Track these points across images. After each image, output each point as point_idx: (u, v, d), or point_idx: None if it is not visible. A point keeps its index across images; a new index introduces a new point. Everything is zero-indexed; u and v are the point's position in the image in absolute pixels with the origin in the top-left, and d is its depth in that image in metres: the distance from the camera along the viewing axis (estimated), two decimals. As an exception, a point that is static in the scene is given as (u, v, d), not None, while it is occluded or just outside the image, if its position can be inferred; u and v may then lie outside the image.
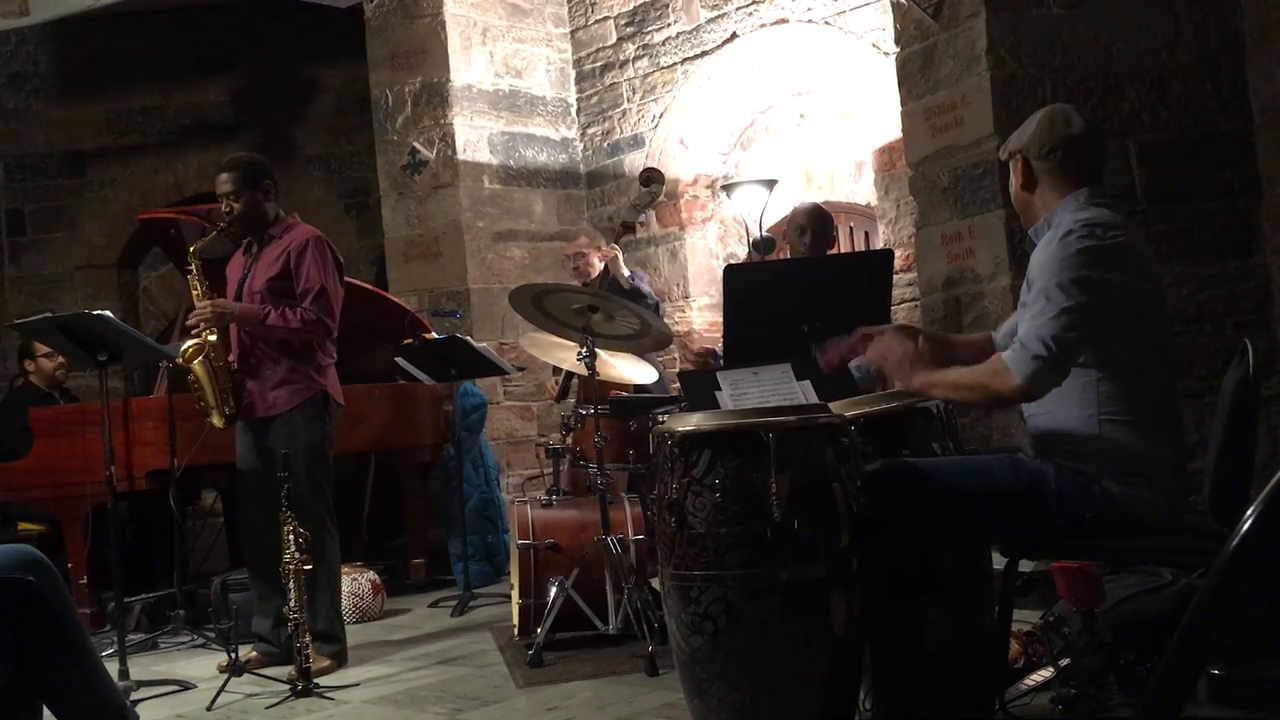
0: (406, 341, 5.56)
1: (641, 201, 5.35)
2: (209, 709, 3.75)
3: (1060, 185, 2.69)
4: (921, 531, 2.52)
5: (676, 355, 6.73)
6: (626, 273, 5.49)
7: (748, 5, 6.44)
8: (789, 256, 5.24)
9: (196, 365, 4.18)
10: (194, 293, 4.26)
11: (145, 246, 8.27)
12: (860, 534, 2.60)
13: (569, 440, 4.66)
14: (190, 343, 4.21)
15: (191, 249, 4.33)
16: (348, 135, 8.26)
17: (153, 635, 5.02)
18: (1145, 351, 2.60)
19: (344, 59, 7.88)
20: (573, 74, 7.45)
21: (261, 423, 4.26)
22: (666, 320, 5.33)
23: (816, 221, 4.95)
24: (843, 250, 6.67)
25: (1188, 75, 4.26)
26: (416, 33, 6.95)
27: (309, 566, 3.92)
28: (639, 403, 4.66)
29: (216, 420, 4.26)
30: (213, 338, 4.18)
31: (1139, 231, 2.73)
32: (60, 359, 5.98)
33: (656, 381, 5.18)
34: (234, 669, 3.93)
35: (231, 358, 4.29)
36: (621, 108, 7.18)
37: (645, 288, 5.60)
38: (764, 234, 6.29)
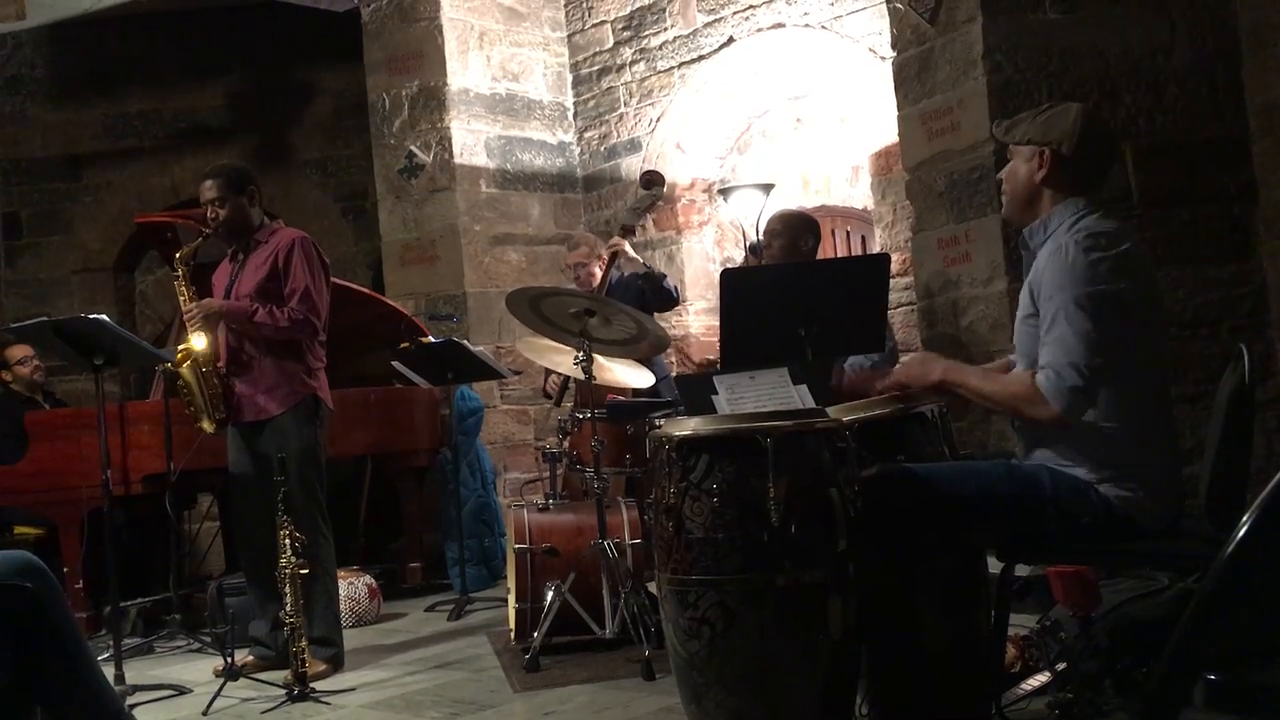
0: (403, 345, 5.55)
1: (642, 204, 5.34)
2: (205, 713, 3.75)
3: (1068, 187, 2.65)
4: (918, 536, 2.51)
5: (674, 359, 6.72)
6: (638, 258, 5.45)
7: (744, 10, 6.44)
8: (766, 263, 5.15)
9: (185, 370, 4.18)
10: (181, 297, 4.26)
11: (142, 250, 8.27)
12: (857, 539, 2.60)
13: (566, 444, 4.66)
14: (181, 347, 4.22)
15: (179, 254, 4.32)
16: (344, 139, 8.25)
17: (149, 639, 5.00)
18: (1142, 356, 2.59)
19: (341, 63, 7.88)
20: (569, 78, 7.45)
21: (252, 427, 4.26)
22: (664, 324, 5.31)
23: (785, 225, 4.83)
24: (837, 254, 6.68)
25: (1184, 80, 4.27)
26: (413, 36, 6.95)
27: (305, 571, 3.92)
28: (636, 407, 4.66)
29: (206, 425, 4.27)
30: (201, 344, 4.17)
31: (1136, 236, 2.71)
32: (35, 363, 6.11)
33: (664, 380, 5.15)
34: (230, 673, 3.93)
35: (220, 363, 4.29)
36: (618, 112, 7.18)
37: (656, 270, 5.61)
38: (760, 238, 6.29)
